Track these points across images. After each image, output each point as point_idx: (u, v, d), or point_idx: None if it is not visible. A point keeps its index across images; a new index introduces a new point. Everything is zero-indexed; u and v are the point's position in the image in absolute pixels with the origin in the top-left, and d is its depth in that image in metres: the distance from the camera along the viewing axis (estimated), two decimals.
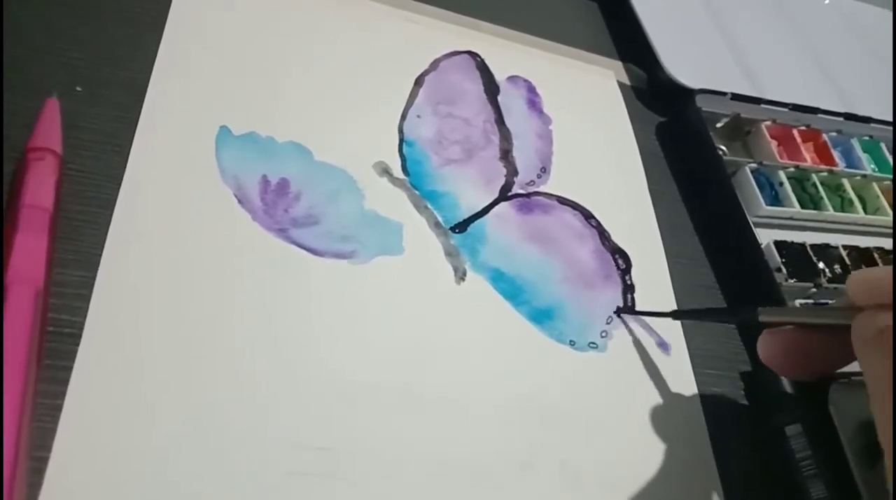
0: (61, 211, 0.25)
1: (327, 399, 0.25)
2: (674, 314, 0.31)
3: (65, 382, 0.22)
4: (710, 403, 0.31)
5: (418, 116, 0.33)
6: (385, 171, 0.31)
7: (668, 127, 0.41)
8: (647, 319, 0.32)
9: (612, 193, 0.35)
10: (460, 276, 0.30)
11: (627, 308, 0.32)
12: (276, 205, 0.28)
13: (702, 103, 0.40)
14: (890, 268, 0.24)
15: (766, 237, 0.37)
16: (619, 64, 0.42)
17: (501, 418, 0.27)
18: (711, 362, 0.32)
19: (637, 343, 0.31)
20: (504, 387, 0.28)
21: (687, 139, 0.40)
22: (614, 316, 0.31)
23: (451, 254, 0.30)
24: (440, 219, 0.31)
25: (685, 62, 0.41)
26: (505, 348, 0.29)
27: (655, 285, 0.33)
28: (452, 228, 0.31)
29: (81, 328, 0.23)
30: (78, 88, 0.28)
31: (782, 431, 0.31)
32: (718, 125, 0.41)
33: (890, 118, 0.46)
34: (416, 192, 0.31)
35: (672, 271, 0.34)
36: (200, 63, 0.30)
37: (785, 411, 0.31)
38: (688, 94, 0.40)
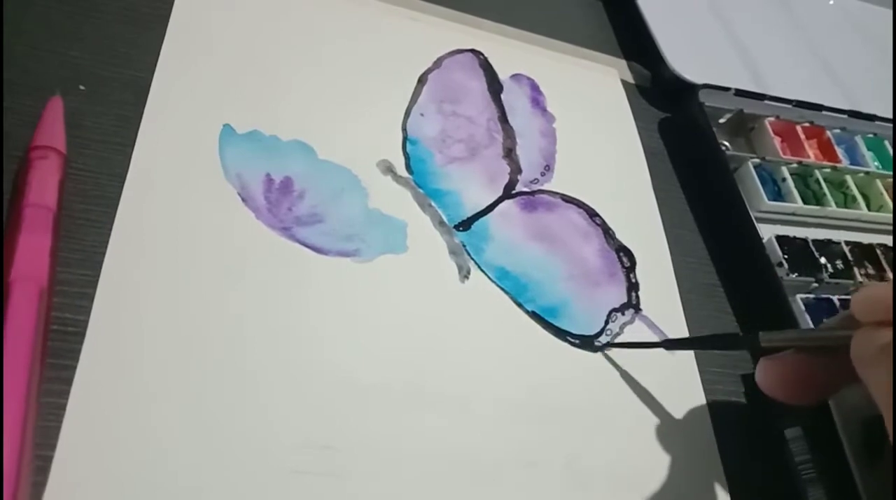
0: (64, 210, 0.25)
1: (331, 398, 0.25)
2: (666, 344, 0.30)
3: (69, 381, 0.22)
4: (713, 403, 0.31)
5: (422, 115, 0.33)
6: (389, 169, 0.31)
7: (671, 123, 0.40)
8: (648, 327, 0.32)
9: (615, 191, 0.35)
10: (464, 274, 0.30)
11: (613, 343, 0.31)
12: (280, 203, 0.28)
13: (705, 99, 0.40)
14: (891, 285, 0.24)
15: (768, 232, 0.37)
16: (622, 62, 0.42)
17: (506, 416, 0.27)
18: (716, 360, 0.32)
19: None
20: (508, 385, 0.28)
21: (690, 135, 0.40)
22: (618, 315, 0.31)
23: (455, 252, 0.30)
24: (444, 217, 0.31)
25: (689, 58, 0.41)
26: (509, 347, 0.29)
27: (660, 282, 0.33)
28: (456, 227, 0.31)
29: (85, 327, 0.23)
30: (81, 87, 0.28)
31: (782, 434, 0.30)
32: (721, 121, 0.41)
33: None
34: (420, 190, 0.31)
35: (676, 267, 0.34)
36: (204, 61, 0.30)
37: (785, 415, 0.31)
38: (691, 89, 0.40)
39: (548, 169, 0.35)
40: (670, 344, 0.31)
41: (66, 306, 0.23)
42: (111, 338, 0.23)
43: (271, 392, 0.24)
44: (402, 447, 0.25)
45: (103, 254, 0.25)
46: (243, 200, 0.28)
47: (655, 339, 0.31)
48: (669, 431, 0.29)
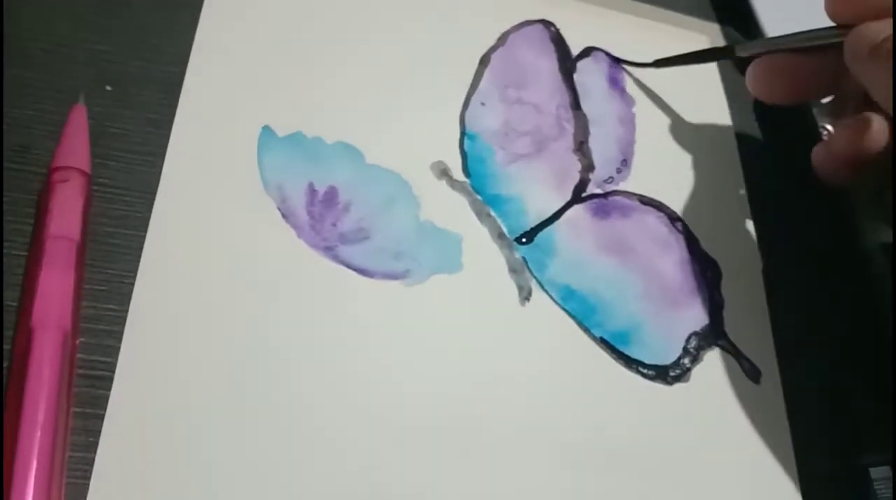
0: (89, 234, 0.23)
1: (376, 435, 0.23)
2: (656, 63, 0.32)
3: (97, 432, 0.21)
4: (797, 438, 0.27)
5: (482, 104, 0.30)
6: (444, 173, 0.28)
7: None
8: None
9: (702, 189, 0.31)
10: (525, 295, 0.27)
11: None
12: (324, 218, 0.26)
13: None
14: None
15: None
16: (715, 26, 0.37)
17: (567, 458, 0.24)
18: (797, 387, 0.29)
19: (723, 371, 0.28)
20: (571, 423, 0.25)
21: (790, 117, 0.35)
22: (694, 338, 0.28)
23: (515, 270, 0.27)
24: (504, 228, 0.28)
25: (790, 26, 0.35)
26: (573, 379, 0.26)
27: (748, 300, 0.29)
28: (518, 239, 0.28)
29: (113, 370, 0.22)
30: (108, 87, 0.26)
31: (867, 472, 0.27)
32: (824, 101, 0.36)
33: None
34: (478, 197, 0.28)
35: (769, 282, 0.30)
36: (239, 55, 0.27)
37: (872, 449, 0.27)
38: None
39: (625, 164, 0.31)
40: (660, 63, 0.33)
41: (92, 346, 0.22)
42: (141, 381, 0.22)
43: (313, 427, 0.22)
44: (450, 489, 0.23)
45: (132, 284, 0.23)
46: (284, 215, 0.25)
47: (738, 367, 0.28)
48: (749, 474, 0.26)
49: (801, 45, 0.29)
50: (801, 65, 0.29)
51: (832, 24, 0.28)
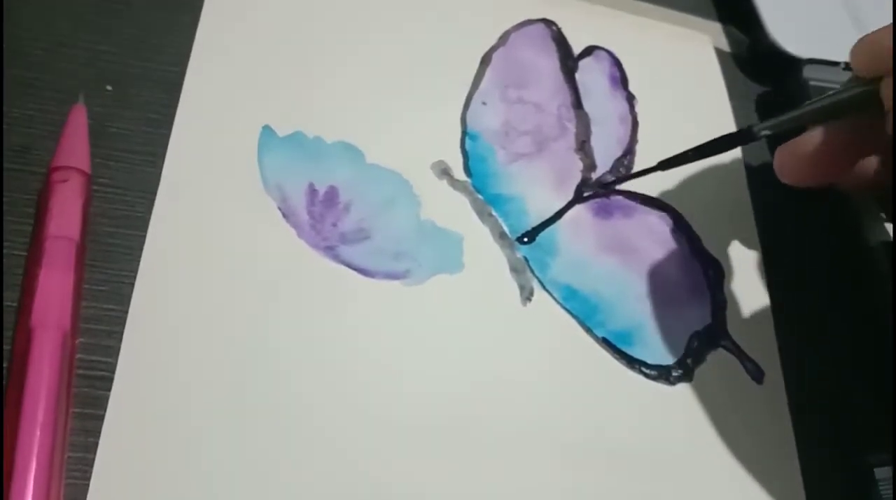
0: (89, 234, 0.23)
1: (376, 435, 0.23)
2: (661, 165, 0.28)
3: (97, 432, 0.21)
4: (801, 439, 0.27)
5: (483, 103, 0.30)
6: (445, 172, 0.28)
7: (770, 100, 0.35)
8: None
9: (704, 188, 0.31)
10: (526, 295, 0.27)
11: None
12: (324, 218, 0.25)
13: (810, 74, 0.34)
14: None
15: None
16: (717, 25, 0.37)
17: (571, 461, 0.24)
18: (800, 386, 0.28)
19: (726, 371, 0.28)
20: (574, 425, 0.25)
21: None
22: (696, 337, 0.28)
23: (516, 270, 0.27)
24: (505, 228, 0.27)
25: (793, 25, 0.35)
26: (576, 380, 0.26)
27: (751, 300, 0.29)
28: (519, 239, 0.27)
29: (113, 370, 0.22)
30: (108, 87, 0.25)
31: (871, 473, 0.27)
32: None
33: None
34: (480, 196, 0.28)
35: (771, 282, 0.30)
36: (239, 55, 0.27)
37: (875, 450, 0.27)
38: (794, 63, 0.34)
39: (627, 164, 0.31)
40: (665, 164, 0.28)
41: (92, 346, 0.22)
42: (141, 382, 0.22)
43: (313, 427, 0.22)
44: (450, 489, 0.23)
45: (132, 284, 0.23)
46: (284, 215, 0.25)
47: (741, 368, 0.28)
48: (753, 475, 0.26)
49: (832, 111, 0.25)
50: (832, 140, 0.25)
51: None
